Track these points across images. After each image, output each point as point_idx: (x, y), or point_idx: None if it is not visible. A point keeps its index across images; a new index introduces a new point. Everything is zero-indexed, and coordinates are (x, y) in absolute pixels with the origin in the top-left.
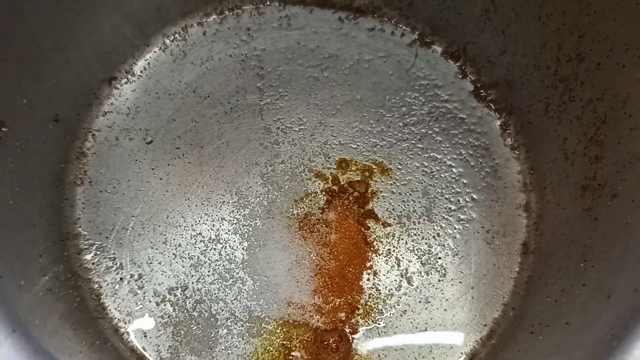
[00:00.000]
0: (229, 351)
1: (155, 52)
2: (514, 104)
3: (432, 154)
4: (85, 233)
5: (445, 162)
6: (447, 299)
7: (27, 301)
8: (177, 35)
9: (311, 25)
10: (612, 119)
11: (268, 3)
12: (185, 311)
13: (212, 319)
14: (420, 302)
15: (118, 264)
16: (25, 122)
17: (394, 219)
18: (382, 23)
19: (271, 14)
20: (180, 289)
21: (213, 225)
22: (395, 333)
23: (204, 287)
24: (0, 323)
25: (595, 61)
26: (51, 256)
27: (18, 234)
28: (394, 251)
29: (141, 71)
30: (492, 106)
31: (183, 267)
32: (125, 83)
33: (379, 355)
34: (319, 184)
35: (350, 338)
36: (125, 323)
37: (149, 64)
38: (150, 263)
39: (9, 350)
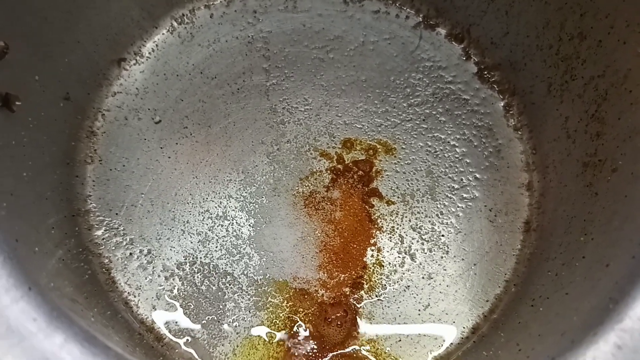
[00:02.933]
0: (236, 323)
1: (163, 34)
2: (517, 85)
3: (436, 134)
4: (96, 209)
5: (449, 142)
6: (449, 275)
7: (43, 268)
8: (184, 18)
9: (316, 7)
10: (612, 95)
11: None
12: (193, 285)
13: (219, 293)
14: (423, 278)
15: (128, 239)
16: (38, 99)
17: (398, 197)
18: (387, 5)
19: None
20: (188, 264)
21: (220, 203)
22: (399, 308)
23: (212, 262)
24: (17, 280)
25: (597, 39)
26: (63, 230)
27: (31, 205)
28: (397, 228)
29: (149, 53)
30: (496, 87)
31: (191, 242)
32: (134, 64)
33: (382, 329)
34: (324, 162)
35: (354, 312)
36: (134, 296)
37: (157, 45)
38: (159, 239)
39: (26, 305)
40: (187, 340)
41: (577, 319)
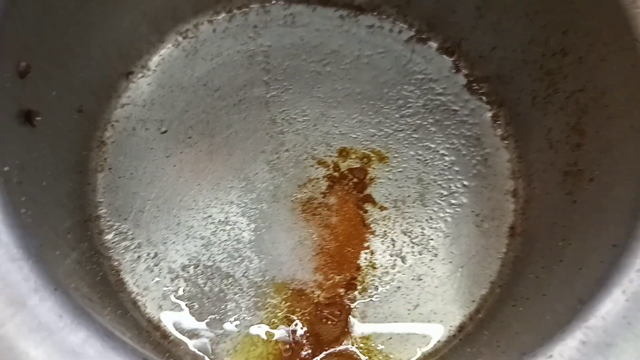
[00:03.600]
0: (237, 322)
1: (169, 48)
2: (504, 97)
3: (426, 144)
4: (106, 215)
5: (438, 151)
6: (438, 277)
7: (63, 269)
8: (189, 32)
9: (314, 22)
10: (592, 109)
11: (274, 2)
12: (197, 286)
13: (221, 294)
14: (413, 279)
15: (136, 243)
16: (55, 112)
17: (390, 203)
18: (381, 20)
19: (277, 12)
20: (192, 267)
21: (222, 209)
22: (390, 307)
23: (215, 264)
24: (45, 281)
25: (578, 55)
26: (77, 234)
27: (50, 212)
28: (389, 233)
29: (156, 66)
30: (484, 99)
31: (195, 246)
32: (141, 77)
33: (374, 327)
34: (321, 170)
35: (348, 312)
36: (142, 297)
37: (163, 59)
38: (165, 243)
39: (54, 304)
40: (192, 337)
41: (549, 318)
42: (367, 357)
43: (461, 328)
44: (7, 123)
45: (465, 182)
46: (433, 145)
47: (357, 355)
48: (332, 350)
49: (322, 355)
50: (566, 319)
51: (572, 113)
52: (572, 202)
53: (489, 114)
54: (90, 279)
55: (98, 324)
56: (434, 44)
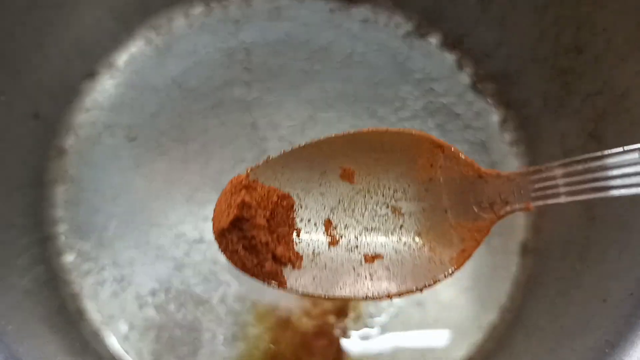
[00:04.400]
0: (214, 354)
1: (138, 45)
2: (511, 98)
3: None
4: (66, 234)
5: None
6: (440, 302)
7: (3, 306)
8: (161, 28)
9: (302, 16)
10: (611, 114)
11: None
12: (168, 314)
13: (196, 322)
14: (413, 304)
15: (99, 265)
16: (4, 119)
17: None
18: (376, 14)
19: (260, 5)
20: (163, 292)
21: (197, 225)
22: (387, 338)
23: (188, 289)
24: None
25: (594, 54)
26: (30, 257)
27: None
28: None
29: (124, 65)
30: (489, 100)
31: (166, 268)
32: (108, 78)
33: None
34: None
35: (339, 342)
36: (106, 326)
37: (132, 57)
38: (132, 264)
39: None
40: None
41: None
42: None
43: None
44: None
45: None
46: None
47: None
48: None
49: None
50: None
51: (588, 118)
52: (589, 219)
53: (496, 117)
54: (42, 310)
55: None
56: (433, 40)
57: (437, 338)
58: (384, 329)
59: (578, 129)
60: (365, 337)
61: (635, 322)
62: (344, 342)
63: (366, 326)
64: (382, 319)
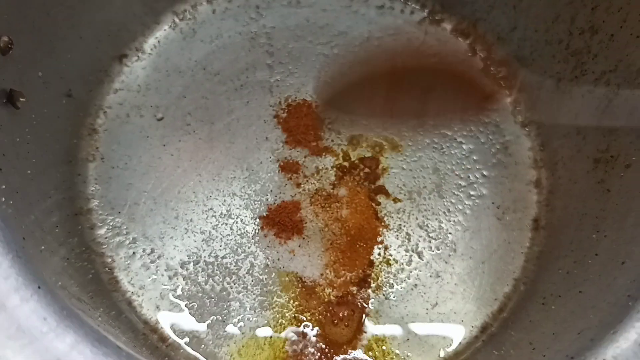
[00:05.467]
0: (242, 323)
1: (165, 29)
2: (524, 81)
3: (442, 131)
4: (98, 208)
5: (455, 139)
6: (457, 274)
7: (49, 266)
8: (186, 13)
9: (320, 2)
10: (625, 90)
11: None
12: (197, 285)
13: (224, 292)
14: (430, 276)
15: (130, 238)
16: (40, 96)
17: (405, 195)
18: (392, 1)
19: None
20: (192, 263)
21: (224, 201)
22: (406, 307)
23: (216, 261)
24: (26, 279)
25: (609, 33)
26: (66, 229)
27: (36, 203)
28: (404, 226)
29: (151, 49)
30: (502, 83)
31: (195, 241)
32: (136, 60)
33: (390, 329)
34: (330, 159)
35: (361, 311)
36: (138, 296)
37: (159, 41)
38: (162, 238)
39: (36, 304)
40: (192, 340)
41: (594, 317)
42: None
43: (484, 328)
44: None
45: (485, 172)
46: (449, 133)
47: None
48: (344, 357)
49: None
50: (616, 318)
51: (602, 95)
52: (605, 191)
53: (508, 99)
54: (80, 278)
55: (88, 327)
56: (448, 26)
57: (454, 308)
58: (403, 299)
59: (592, 107)
60: (385, 307)
61: None
62: (365, 312)
63: (386, 296)
64: (401, 289)
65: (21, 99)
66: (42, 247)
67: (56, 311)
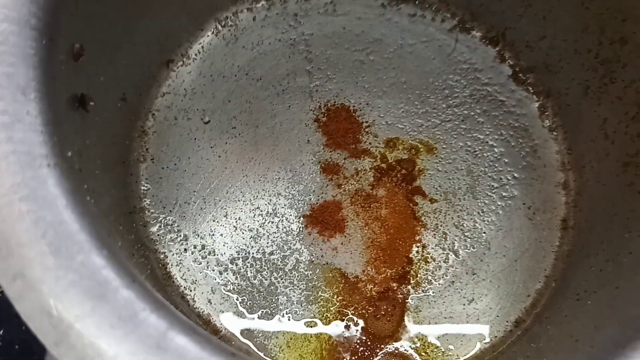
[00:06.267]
0: (289, 316)
1: (208, 36)
2: (551, 87)
3: (474, 134)
4: (150, 207)
5: (487, 142)
6: (492, 271)
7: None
8: (228, 21)
9: (355, 11)
10: None
11: None
12: (246, 279)
13: (272, 287)
14: (466, 273)
15: (182, 235)
16: (102, 100)
17: (441, 196)
18: (423, 9)
19: (316, 0)
20: (241, 259)
21: (270, 200)
22: (444, 302)
23: (264, 257)
24: (122, 272)
25: (639, 43)
26: (124, 226)
27: (104, 202)
28: (441, 226)
29: (196, 54)
30: (530, 89)
31: (243, 238)
32: (182, 66)
33: (429, 323)
34: (368, 161)
35: (402, 306)
36: (190, 290)
37: (202, 47)
38: (212, 235)
39: (134, 296)
40: (243, 332)
41: (636, 311)
42: (422, 354)
43: (518, 323)
44: (65, 107)
45: (516, 174)
46: (482, 136)
47: (413, 357)
48: (386, 350)
49: (379, 356)
50: None
51: (631, 102)
52: (635, 193)
53: (536, 105)
54: (141, 273)
55: (178, 316)
56: (477, 34)
57: (489, 304)
58: (441, 295)
59: (621, 113)
60: (424, 303)
61: None
62: (406, 307)
63: (425, 292)
64: (439, 286)
65: (91, 103)
66: (119, 243)
67: (151, 301)
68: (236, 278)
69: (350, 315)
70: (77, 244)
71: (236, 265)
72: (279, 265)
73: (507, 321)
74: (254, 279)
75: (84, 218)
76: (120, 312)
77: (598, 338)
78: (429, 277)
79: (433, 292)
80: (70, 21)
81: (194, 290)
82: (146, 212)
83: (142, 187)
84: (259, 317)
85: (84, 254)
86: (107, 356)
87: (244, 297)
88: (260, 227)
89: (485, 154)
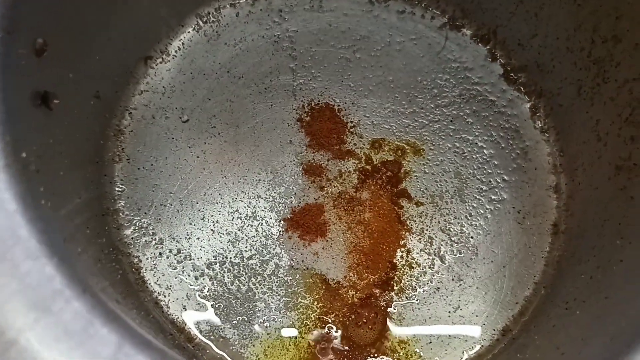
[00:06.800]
0: (267, 324)
1: (189, 32)
2: (544, 87)
3: (463, 135)
4: (124, 209)
5: (476, 144)
6: (479, 277)
7: (88, 269)
8: (210, 17)
9: (342, 7)
10: None
11: None
12: (223, 285)
13: (249, 293)
14: (452, 280)
15: (157, 239)
16: (71, 97)
17: (427, 199)
18: (412, 6)
19: None
20: (218, 264)
21: (250, 203)
22: (429, 309)
23: (242, 262)
24: (72, 281)
25: (633, 42)
26: (95, 229)
27: (68, 204)
28: (426, 230)
29: (176, 51)
30: (522, 89)
31: (221, 242)
32: (161, 62)
33: (413, 331)
34: (353, 163)
35: (384, 314)
36: (164, 296)
37: (183, 44)
38: (189, 238)
39: (82, 308)
40: (218, 340)
41: (625, 324)
42: None
43: (505, 331)
44: (23, 104)
45: (505, 177)
46: (471, 137)
47: None
48: (368, 359)
49: None
50: None
51: (624, 103)
52: (628, 198)
53: (527, 105)
54: (111, 278)
55: (132, 330)
56: (468, 31)
57: (476, 311)
58: (426, 302)
59: (613, 114)
60: (407, 310)
61: None
62: (389, 314)
63: (409, 299)
64: (423, 292)
65: (55, 101)
66: (79, 249)
67: (101, 314)
68: (213, 284)
69: (331, 323)
70: (25, 251)
71: (213, 270)
72: (258, 270)
73: (494, 329)
74: (231, 285)
75: (34, 223)
76: (67, 325)
77: (584, 351)
78: (414, 284)
79: (417, 299)
80: (32, 14)
81: (169, 296)
82: (120, 214)
83: (117, 189)
84: (235, 325)
85: (31, 261)
86: None
87: (220, 304)
88: (239, 230)
89: (474, 156)
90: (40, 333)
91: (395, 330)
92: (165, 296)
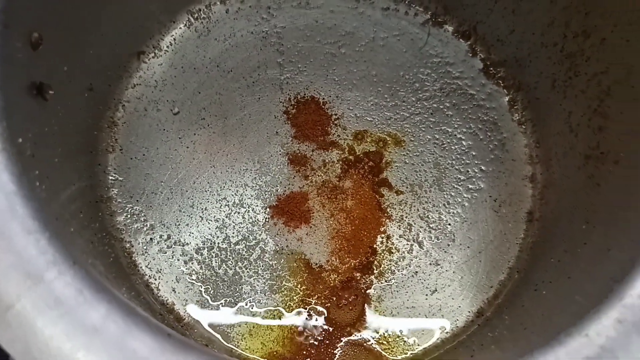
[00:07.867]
0: (252, 305)
1: (180, 28)
2: (521, 81)
3: (443, 128)
4: (117, 196)
5: (455, 135)
6: (455, 262)
7: (79, 246)
8: (201, 13)
9: (328, 4)
10: (616, 91)
11: None
12: (211, 269)
13: (236, 276)
14: (430, 264)
15: (148, 225)
16: (65, 89)
17: (407, 188)
18: (397, 3)
19: None
20: (206, 249)
21: (237, 191)
22: (407, 292)
23: (229, 247)
24: (63, 255)
25: (601, 37)
26: (88, 215)
27: (61, 190)
28: (406, 217)
29: (167, 46)
30: (501, 83)
31: (209, 228)
32: (153, 57)
33: (391, 313)
34: (336, 153)
35: (364, 296)
36: (155, 279)
37: (174, 39)
38: (179, 225)
39: (73, 279)
40: (206, 320)
41: (580, 299)
42: (383, 344)
43: (479, 314)
44: (20, 95)
45: (483, 167)
46: (450, 130)
47: (372, 345)
48: (348, 339)
49: (340, 344)
50: (599, 299)
51: (594, 96)
52: (595, 185)
53: (506, 99)
54: (103, 261)
55: (119, 299)
56: (449, 28)
57: (452, 294)
58: (404, 285)
59: (584, 106)
60: (386, 293)
61: (637, 260)
62: (368, 297)
63: (388, 282)
64: (402, 276)
65: (50, 92)
66: (72, 229)
67: (90, 285)
68: (201, 267)
69: (313, 305)
70: (20, 227)
71: (201, 255)
72: (244, 255)
73: (469, 311)
74: (219, 269)
75: (29, 202)
76: (58, 293)
77: (544, 326)
78: (393, 268)
79: (396, 282)
80: (29, 9)
81: (159, 279)
82: (113, 201)
83: (110, 177)
84: (222, 306)
85: (26, 235)
86: (42, 336)
87: (208, 286)
88: (227, 217)
89: (453, 147)
90: (34, 299)
91: (375, 311)
92: (155, 279)
